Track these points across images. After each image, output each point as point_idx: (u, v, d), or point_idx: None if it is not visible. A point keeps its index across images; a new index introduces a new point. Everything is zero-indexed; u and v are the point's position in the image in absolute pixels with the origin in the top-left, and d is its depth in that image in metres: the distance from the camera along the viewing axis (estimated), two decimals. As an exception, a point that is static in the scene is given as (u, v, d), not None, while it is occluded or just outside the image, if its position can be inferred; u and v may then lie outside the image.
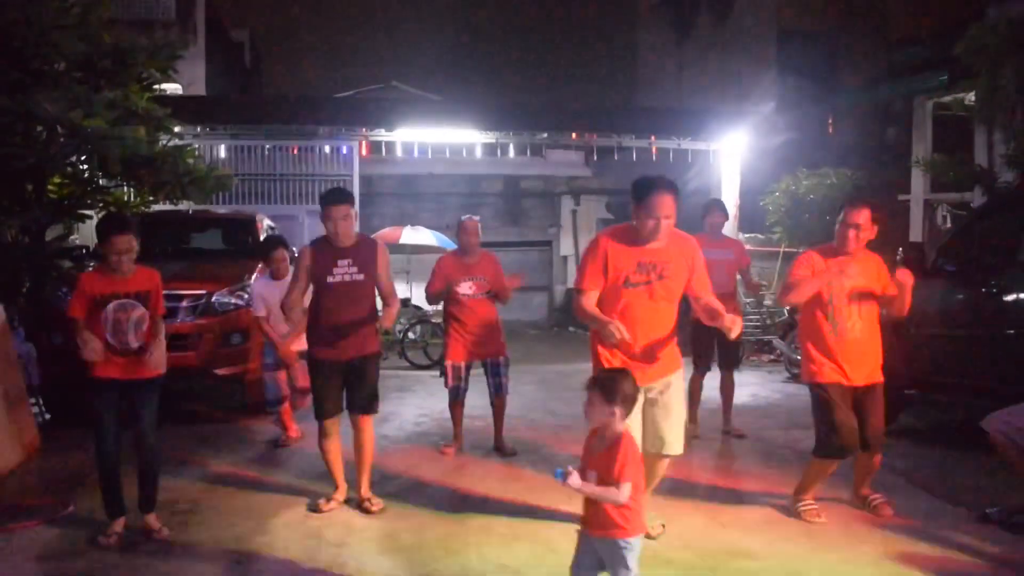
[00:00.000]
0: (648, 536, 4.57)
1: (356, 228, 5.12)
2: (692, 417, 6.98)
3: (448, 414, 6.67)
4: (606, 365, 4.45)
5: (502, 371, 6.54)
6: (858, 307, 4.81)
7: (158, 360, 4.54)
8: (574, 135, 14.46)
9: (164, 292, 6.94)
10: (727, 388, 7.21)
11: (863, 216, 4.80)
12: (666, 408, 4.48)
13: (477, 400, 6.66)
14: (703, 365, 7.08)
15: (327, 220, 4.95)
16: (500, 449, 6.54)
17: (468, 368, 6.55)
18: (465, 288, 6.43)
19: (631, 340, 4.27)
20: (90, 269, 6.11)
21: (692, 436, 6.78)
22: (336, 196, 5.02)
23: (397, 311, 5.27)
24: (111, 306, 4.42)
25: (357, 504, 5.10)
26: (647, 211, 4.28)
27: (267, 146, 13.21)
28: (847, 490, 5.21)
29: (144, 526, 4.59)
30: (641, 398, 4.45)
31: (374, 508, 5.04)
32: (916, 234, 12.97)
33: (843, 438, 4.75)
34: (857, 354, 4.82)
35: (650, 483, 4.71)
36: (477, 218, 6.68)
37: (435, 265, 6.66)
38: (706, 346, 7.01)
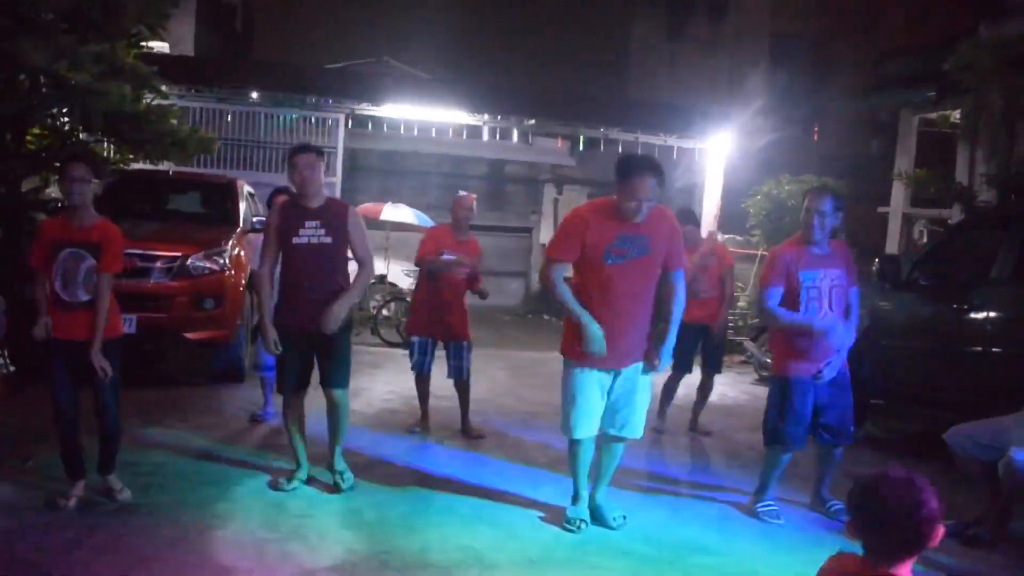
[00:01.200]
0: (608, 526, 4.62)
1: (326, 191, 4.97)
2: (661, 413, 7.03)
3: (415, 392, 6.67)
4: (578, 362, 4.46)
5: (464, 355, 6.47)
6: (830, 298, 4.85)
7: (109, 321, 4.36)
8: (561, 124, 14.44)
9: (138, 251, 6.96)
10: (705, 389, 7.24)
11: (826, 203, 4.82)
12: (631, 392, 4.53)
13: (447, 381, 6.65)
14: (683, 367, 7.07)
15: (293, 171, 4.76)
16: (467, 432, 6.53)
17: (433, 344, 6.51)
18: (450, 256, 6.39)
19: (607, 314, 4.32)
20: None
21: (657, 431, 6.83)
22: (302, 146, 4.88)
23: (368, 277, 5.04)
24: (62, 254, 4.28)
25: (330, 478, 5.00)
26: (630, 192, 4.29)
27: (252, 112, 13.08)
28: (807, 494, 5.26)
29: (105, 488, 4.51)
30: (608, 380, 4.50)
31: (344, 484, 4.91)
32: (892, 246, 13.08)
33: (790, 424, 4.81)
34: (825, 344, 4.84)
35: (608, 469, 4.74)
36: (474, 195, 6.65)
37: (426, 233, 6.65)
38: (690, 348, 7.00)
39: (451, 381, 6.58)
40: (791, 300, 4.86)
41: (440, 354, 6.57)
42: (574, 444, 4.61)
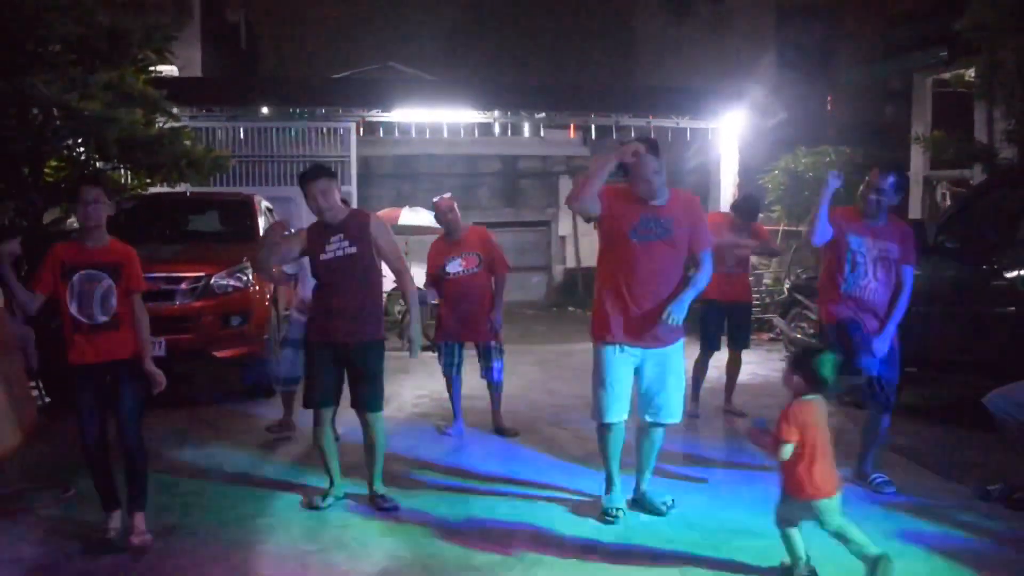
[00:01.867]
0: (658, 512, 4.61)
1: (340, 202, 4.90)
2: (694, 397, 6.99)
3: (447, 395, 6.67)
4: (607, 340, 4.47)
5: (493, 355, 6.47)
6: (875, 269, 4.85)
7: (136, 340, 4.31)
8: (572, 114, 14.40)
9: (162, 275, 7.00)
10: (733, 368, 7.20)
11: (887, 181, 4.88)
12: (663, 376, 4.53)
13: (479, 381, 6.64)
14: (711, 346, 7.05)
15: (309, 200, 4.75)
16: (501, 430, 6.53)
17: (461, 347, 6.51)
18: (454, 267, 6.38)
19: (633, 291, 4.39)
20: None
21: (692, 415, 6.79)
22: (310, 173, 4.82)
23: (411, 285, 4.98)
24: (77, 277, 4.23)
25: (369, 499, 4.89)
26: (634, 177, 4.42)
27: (264, 127, 13.15)
28: (849, 468, 5.22)
29: (129, 527, 4.31)
30: (637, 360, 4.49)
31: (385, 506, 4.80)
32: (916, 211, 12.94)
33: (862, 357, 4.84)
34: (867, 309, 4.91)
35: (649, 456, 4.73)
36: (448, 195, 6.59)
37: (428, 250, 6.63)
38: (716, 327, 6.97)
39: (483, 381, 6.58)
40: (838, 259, 4.93)
41: (471, 354, 6.56)
42: (604, 429, 4.60)
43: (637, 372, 4.56)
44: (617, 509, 4.56)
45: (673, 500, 4.72)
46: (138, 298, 4.36)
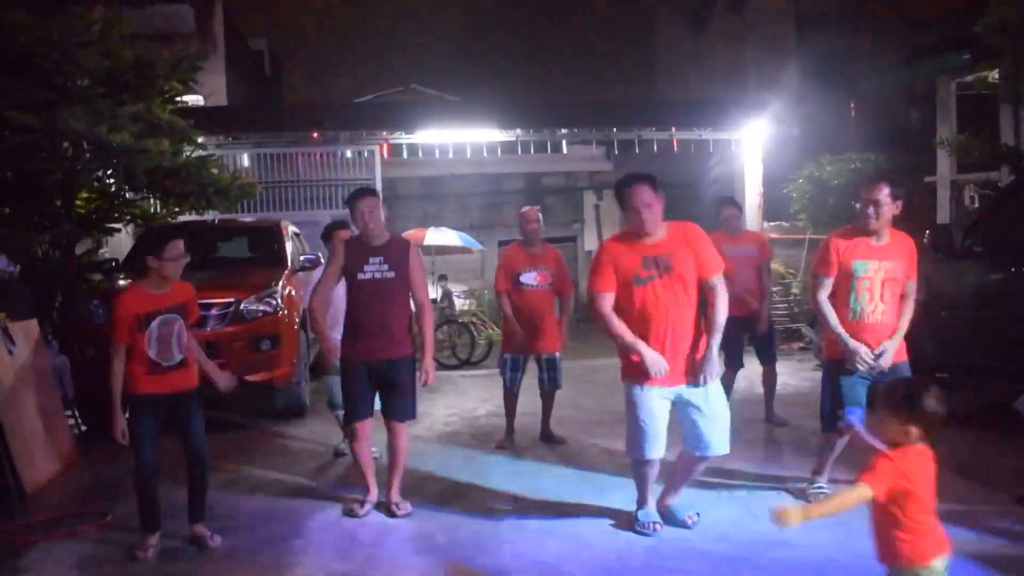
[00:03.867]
0: (683, 526, 4.60)
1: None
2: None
3: (478, 412, 6.71)
4: (637, 380, 4.46)
5: (557, 366, 6.62)
6: (882, 291, 4.77)
7: (191, 374, 4.60)
8: (594, 130, 14.44)
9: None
10: (769, 380, 7.17)
11: (881, 192, 4.72)
12: (707, 410, 4.47)
13: (521, 396, 6.73)
14: (735, 364, 7.02)
15: (356, 216, 4.98)
16: (549, 439, 6.65)
17: (525, 360, 6.61)
18: (529, 279, 6.48)
19: (650, 336, 4.37)
20: (122, 286, 6.18)
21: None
22: (361, 191, 5.13)
23: (432, 319, 5.21)
24: (155, 323, 4.42)
25: (386, 507, 5.07)
26: (629, 205, 4.43)
27: (289, 153, 13.32)
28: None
29: (193, 535, 4.60)
30: (670, 398, 4.47)
31: (400, 512, 4.99)
32: (943, 216, 12.83)
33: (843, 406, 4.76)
34: (877, 336, 4.78)
35: (684, 481, 4.73)
36: (536, 207, 6.75)
37: (500, 260, 6.75)
38: (735, 344, 6.94)
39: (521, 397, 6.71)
40: (843, 288, 4.81)
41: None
42: (641, 464, 4.59)
43: (675, 406, 4.52)
44: (653, 523, 4.57)
45: (698, 514, 4.70)
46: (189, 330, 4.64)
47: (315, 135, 13.37)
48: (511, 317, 6.51)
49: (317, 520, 5.02)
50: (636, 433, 4.50)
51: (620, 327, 4.43)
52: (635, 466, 4.65)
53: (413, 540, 4.66)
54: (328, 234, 6.34)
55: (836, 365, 4.85)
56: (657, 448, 4.49)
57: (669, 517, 4.70)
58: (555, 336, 6.59)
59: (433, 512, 5.07)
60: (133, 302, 4.47)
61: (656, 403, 4.46)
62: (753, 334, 7.03)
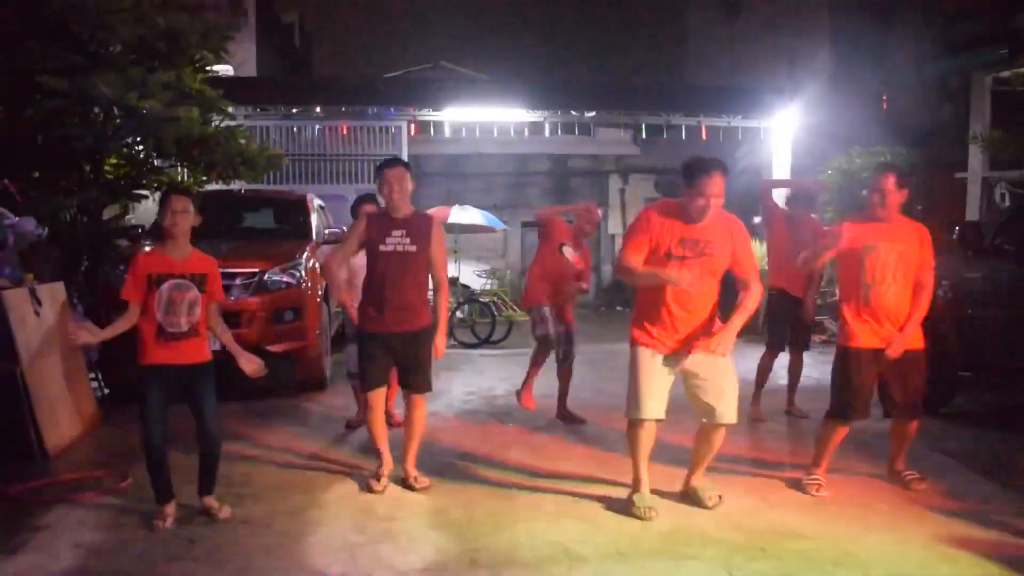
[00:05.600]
0: (704, 506, 4.61)
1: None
2: (756, 399, 6.91)
3: (496, 390, 6.74)
4: (644, 343, 4.52)
5: (573, 339, 6.71)
6: (893, 272, 4.78)
7: (202, 346, 4.56)
8: (622, 113, 14.36)
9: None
10: (796, 368, 7.10)
11: (887, 182, 4.82)
12: (713, 381, 4.53)
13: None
14: (777, 346, 6.96)
15: (383, 185, 4.98)
16: (565, 417, 6.68)
17: (555, 317, 6.66)
18: (570, 253, 6.66)
19: (672, 308, 4.45)
20: (146, 249, 6.23)
21: (756, 420, 6.74)
22: (392, 160, 5.19)
23: (448, 298, 5.26)
24: (166, 285, 4.41)
25: (402, 480, 5.11)
26: (697, 191, 4.40)
27: (317, 126, 13.34)
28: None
29: (204, 507, 4.61)
30: (674, 366, 4.51)
31: (418, 486, 5.04)
32: (973, 213, 12.67)
33: (855, 400, 4.84)
34: (890, 317, 4.81)
35: (704, 456, 4.74)
36: (600, 210, 7.00)
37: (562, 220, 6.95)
38: (782, 326, 6.89)
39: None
40: (853, 270, 4.86)
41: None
42: (636, 425, 4.61)
43: (683, 374, 4.57)
44: (649, 508, 4.57)
45: (721, 496, 4.73)
46: (217, 305, 4.67)
47: (343, 109, 13.37)
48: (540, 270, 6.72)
49: (334, 492, 5.05)
50: (634, 390, 4.57)
51: (645, 267, 4.48)
52: (630, 430, 4.67)
53: (429, 515, 4.68)
54: (356, 207, 6.40)
55: (848, 351, 4.89)
56: (651, 407, 4.53)
57: (692, 496, 4.75)
58: (570, 312, 6.82)
59: (449, 488, 5.09)
60: (147, 261, 4.51)
61: (658, 365, 4.53)
62: (798, 319, 6.95)
